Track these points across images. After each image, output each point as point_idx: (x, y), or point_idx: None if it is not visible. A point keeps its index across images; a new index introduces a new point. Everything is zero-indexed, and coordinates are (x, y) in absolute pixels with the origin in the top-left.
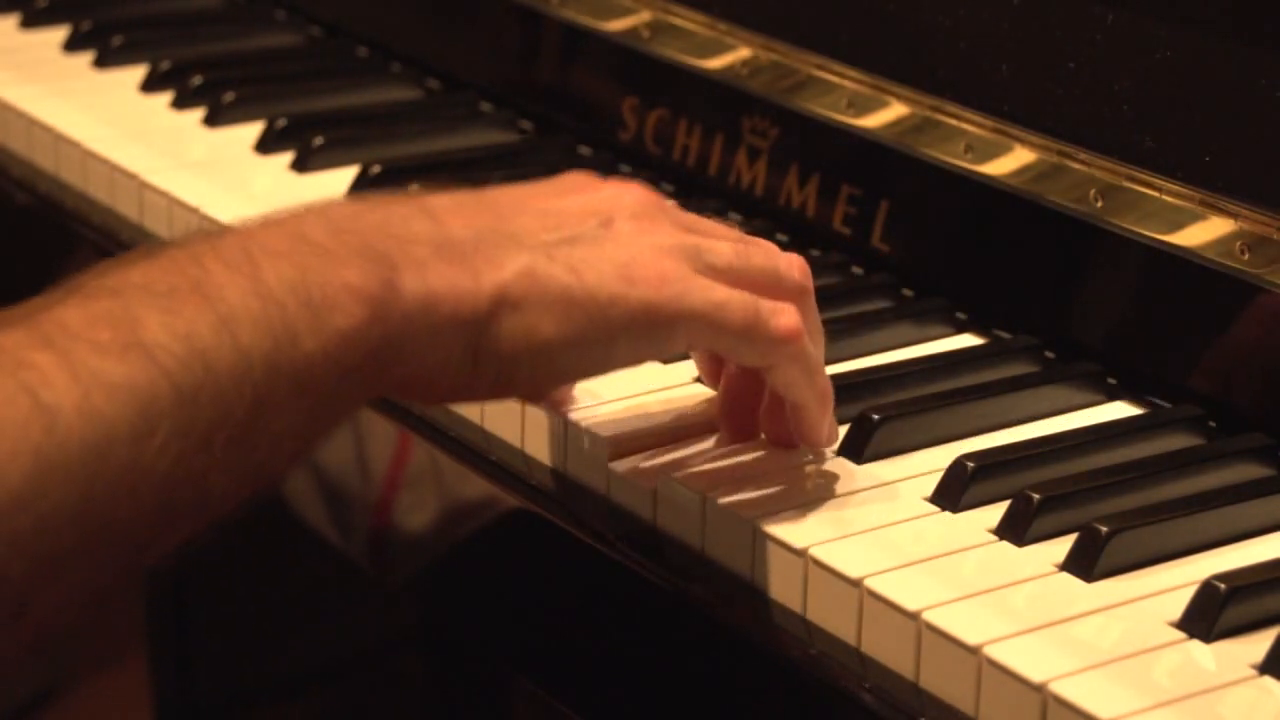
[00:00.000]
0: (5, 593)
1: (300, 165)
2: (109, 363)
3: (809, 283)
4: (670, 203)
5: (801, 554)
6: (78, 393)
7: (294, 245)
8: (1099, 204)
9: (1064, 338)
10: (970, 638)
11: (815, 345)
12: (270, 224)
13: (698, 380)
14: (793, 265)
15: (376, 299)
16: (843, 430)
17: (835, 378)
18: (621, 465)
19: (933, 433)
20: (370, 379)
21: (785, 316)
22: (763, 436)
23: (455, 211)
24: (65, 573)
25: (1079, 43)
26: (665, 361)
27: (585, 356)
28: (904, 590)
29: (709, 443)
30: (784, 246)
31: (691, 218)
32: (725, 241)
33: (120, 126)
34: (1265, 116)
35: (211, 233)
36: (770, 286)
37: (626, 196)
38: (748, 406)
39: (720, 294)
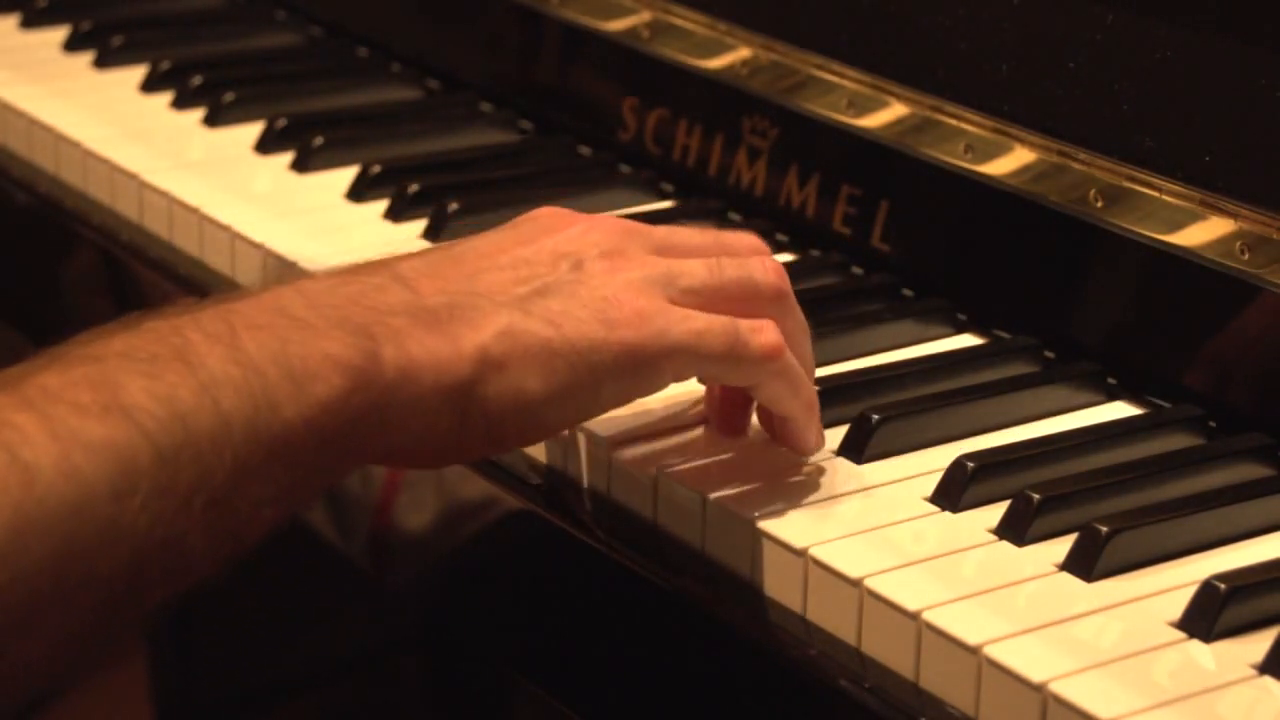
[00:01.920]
0: None
1: (300, 165)
2: (89, 423)
3: (785, 284)
4: (639, 226)
5: (801, 554)
6: (57, 451)
7: (273, 319)
8: (1099, 204)
9: (1064, 338)
10: (970, 638)
11: (801, 344)
12: (248, 298)
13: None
14: (768, 271)
15: (357, 369)
16: (843, 430)
17: (835, 378)
18: (621, 464)
19: (933, 433)
20: (352, 448)
21: (765, 334)
22: (759, 435)
23: (427, 276)
24: (40, 627)
25: (1079, 43)
26: None
27: (572, 406)
28: (904, 590)
29: (709, 442)
30: (784, 247)
31: (661, 235)
32: (697, 261)
33: (120, 126)
34: (1265, 116)
35: (190, 305)
36: (747, 296)
37: (593, 234)
38: (740, 404)
39: (699, 323)
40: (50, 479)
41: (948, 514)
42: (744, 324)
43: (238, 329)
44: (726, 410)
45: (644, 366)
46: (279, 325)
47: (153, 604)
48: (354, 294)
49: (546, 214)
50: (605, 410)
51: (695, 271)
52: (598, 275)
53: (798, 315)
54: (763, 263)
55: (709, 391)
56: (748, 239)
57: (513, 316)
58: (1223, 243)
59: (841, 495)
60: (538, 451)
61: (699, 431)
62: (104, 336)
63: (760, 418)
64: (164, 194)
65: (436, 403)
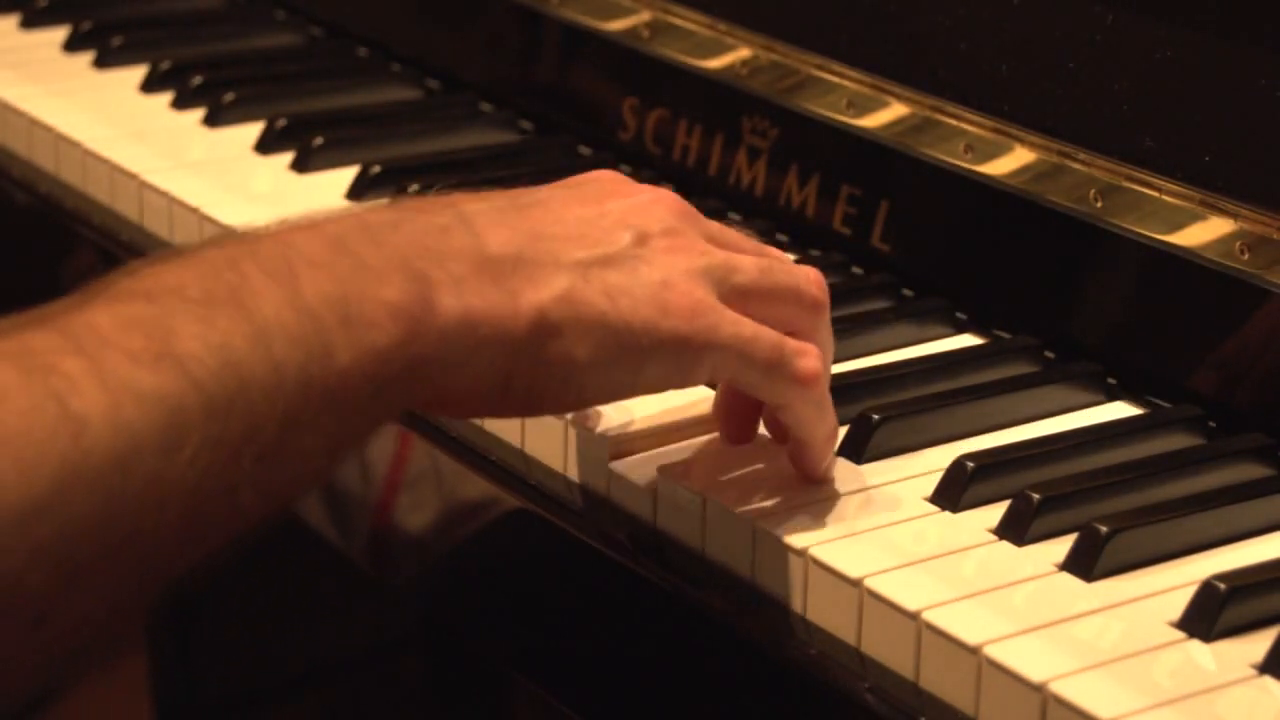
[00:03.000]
0: (25, 601)
1: (300, 165)
2: (140, 372)
3: (826, 300)
4: (696, 211)
5: (801, 554)
6: (106, 402)
7: (333, 256)
8: (1099, 204)
9: (1064, 338)
10: (970, 638)
11: (826, 361)
12: (310, 229)
13: None
14: (811, 280)
15: (414, 317)
16: (843, 430)
17: (835, 378)
18: (621, 465)
19: (933, 433)
20: (402, 395)
21: (808, 359)
22: (759, 436)
23: (493, 223)
24: (87, 584)
25: (1079, 43)
26: None
27: (613, 381)
28: (904, 590)
29: (709, 443)
30: (784, 247)
31: (716, 227)
32: (751, 260)
33: (120, 126)
34: (1265, 116)
35: (248, 234)
36: (792, 303)
37: (658, 208)
38: (749, 414)
39: (748, 329)
40: (98, 431)
41: (948, 514)
42: (791, 343)
43: (296, 267)
44: (735, 418)
45: (688, 358)
46: (338, 265)
47: (199, 559)
48: (417, 233)
49: (609, 177)
50: (642, 393)
51: (749, 269)
52: (659, 255)
53: (829, 333)
54: (808, 274)
55: (718, 397)
56: (786, 256)
57: (574, 281)
58: (1223, 243)
59: (842, 495)
60: (538, 451)
61: (699, 432)
62: (156, 268)
63: (771, 428)
64: (164, 194)
65: (488, 356)
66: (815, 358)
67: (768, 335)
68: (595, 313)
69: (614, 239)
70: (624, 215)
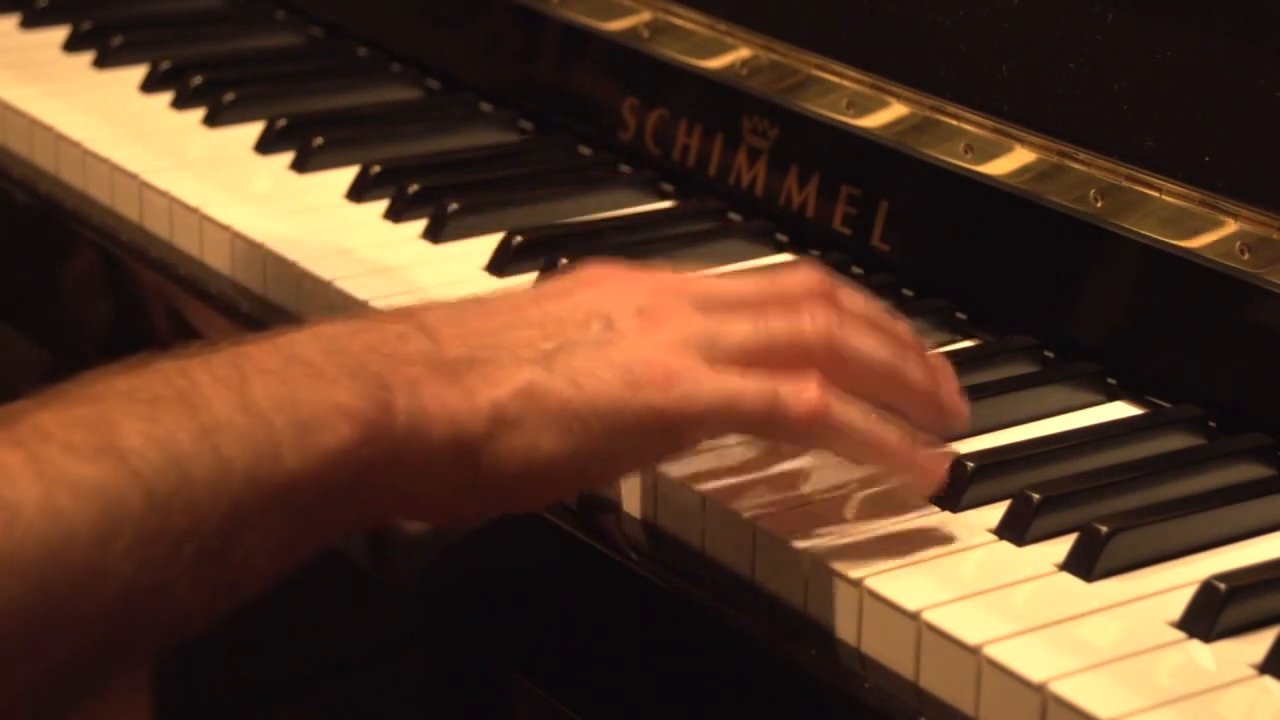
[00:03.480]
0: None
1: (300, 165)
2: (78, 464)
3: (836, 338)
4: (684, 281)
5: (802, 554)
6: (40, 491)
7: (285, 364)
8: (1099, 204)
9: (1064, 338)
10: (970, 638)
11: (869, 380)
12: (262, 341)
13: None
14: (816, 322)
15: (367, 420)
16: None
17: None
18: None
19: None
20: (358, 502)
21: (806, 395)
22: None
23: (452, 326)
24: (13, 672)
25: (1079, 43)
26: None
27: (587, 469)
28: (904, 590)
29: (709, 443)
30: (784, 247)
31: (707, 289)
32: (742, 320)
33: (120, 126)
34: (1265, 116)
35: (201, 348)
36: (797, 352)
37: (633, 291)
38: None
39: (733, 385)
40: (30, 518)
41: (948, 514)
42: (785, 386)
43: (247, 373)
44: None
45: (668, 431)
46: (290, 371)
47: (141, 654)
48: (373, 341)
49: (590, 270)
50: (625, 474)
51: (739, 331)
52: (630, 335)
53: (857, 364)
54: (812, 315)
55: None
56: (803, 276)
57: (534, 374)
58: (1223, 243)
59: (841, 496)
60: None
61: None
62: (110, 376)
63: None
64: (164, 194)
65: (447, 457)
66: (812, 390)
67: (755, 387)
68: (558, 401)
69: (580, 327)
70: (592, 304)
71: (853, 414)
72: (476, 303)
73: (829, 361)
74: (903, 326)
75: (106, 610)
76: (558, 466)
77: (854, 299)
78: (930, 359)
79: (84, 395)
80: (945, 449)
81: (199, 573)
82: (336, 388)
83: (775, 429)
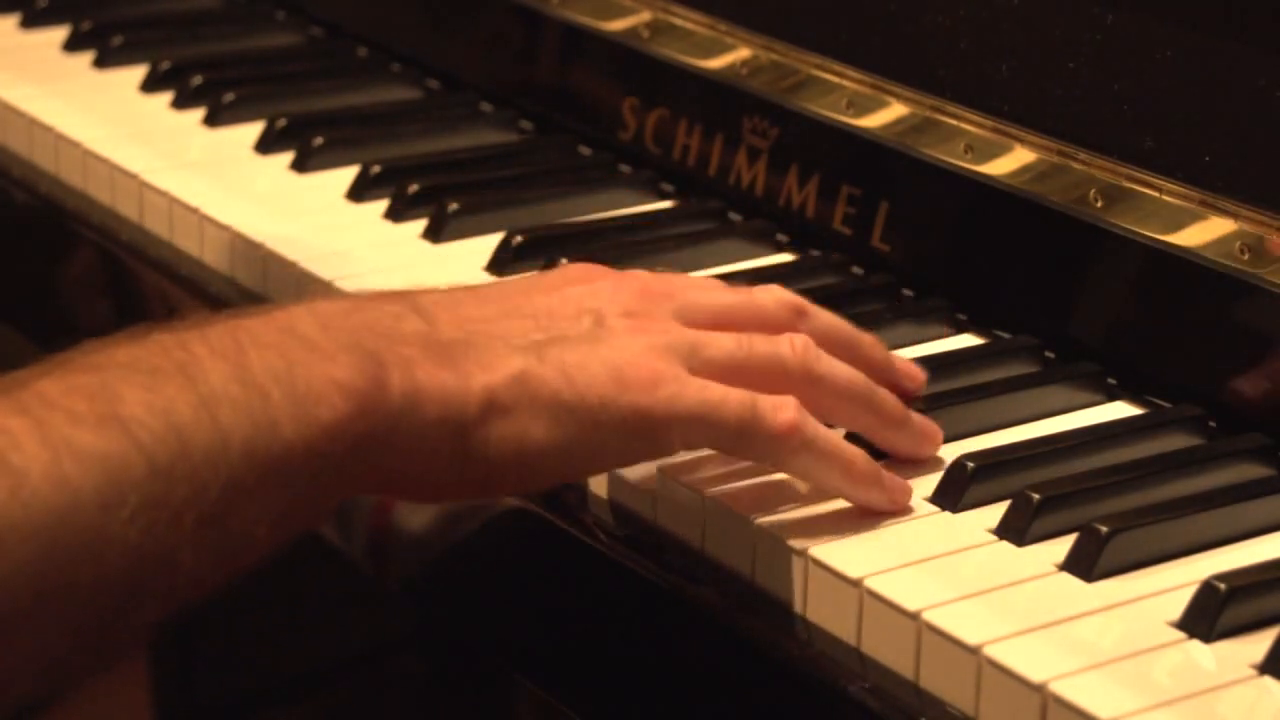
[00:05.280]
0: None
1: (300, 165)
2: (82, 432)
3: (813, 363)
4: (667, 287)
5: (801, 554)
6: (47, 458)
7: (282, 338)
8: (1099, 204)
9: (1064, 338)
10: (970, 638)
11: (847, 412)
12: (260, 315)
13: None
14: (795, 350)
15: (362, 394)
16: (841, 431)
17: None
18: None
19: None
20: (351, 474)
21: (784, 412)
22: None
23: (446, 311)
24: (19, 636)
25: (1079, 43)
26: None
27: (574, 460)
28: (904, 590)
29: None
30: (784, 247)
31: (689, 298)
32: (726, 335)
33: (120, 126)
34: (1265, 116)
35: (199, 320)
36: (776, 376)
37: (622, 291)
38: None
39: (714, 393)
40: (36, 484)
41: (948, 514)
42: (764, 400)
43: (244, 346)
44: None
45: (651, 431)
46: (287, 345)
47: (142, 623)
48: (369, 320)
49: (577, 268)
50: (607, 469)
51: (722, 344)
52: (619, 334)
53: (838, 383)
54: (791, 342)
55: None
56: (775, 295)
57: (527, 362)
58: (1223, 243)
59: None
60: None
61: None
62: (109, 346)
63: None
64: (164, 194)
65: (439, 437)
66: (790, 408)
67: (736, 397)
68: (549, 391)
69: (573, 322)
70: (583, 300)
71: (825, 432)
72: (469, 290)
73: (805, 385)
74: (871, 340)
75: (111, 576)
76: (544, 455)
77: (824, 315)
78: (905, 369)
79: (85, 364)
80: (906, 485)
81: (201, 540)
82: (333, 363)
83: (750, 441)
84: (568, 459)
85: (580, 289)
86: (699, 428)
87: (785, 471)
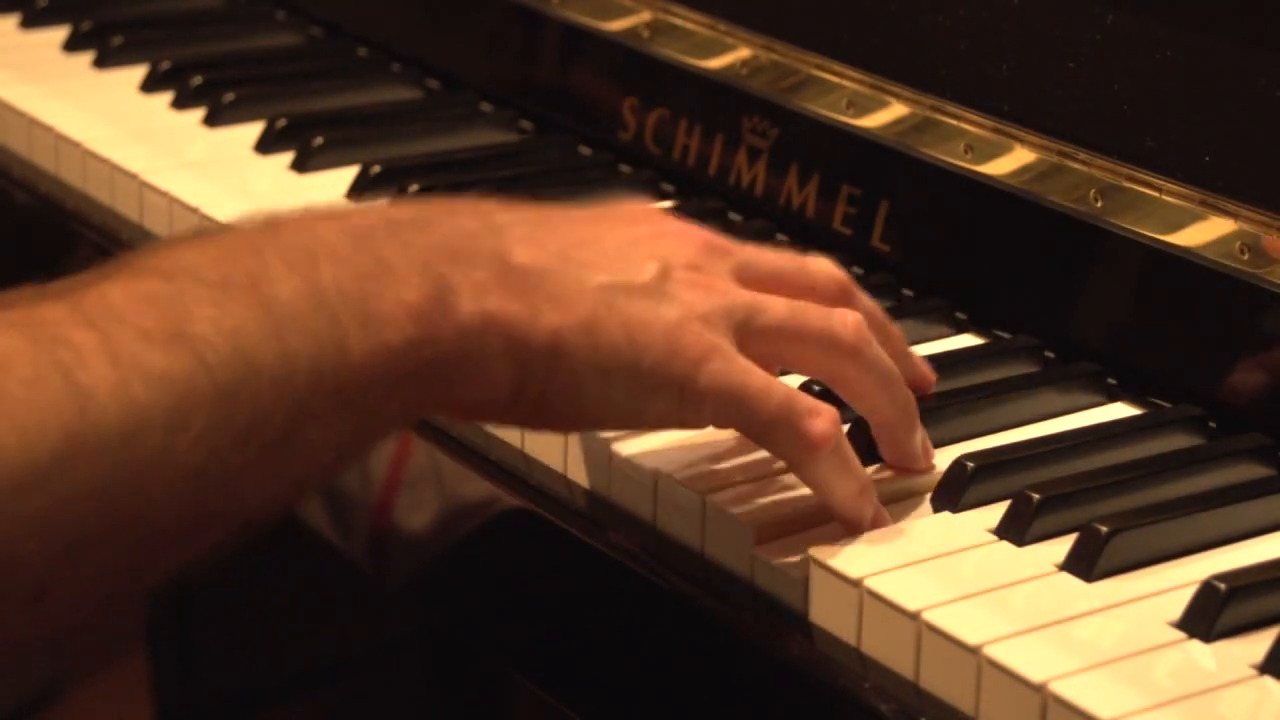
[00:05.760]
0: (23, 574)
1: (300, 165)
2: (151, 351)
3: (863, 341)
4: (725, 244)
5: (802, 554)
6: (115, 378)
7: (355, 252)
8: (1099, 204)
9: (1064, 338)
10: (970, 638)
11: (879, 400)
12: (336, 220)
13: None
14: (848, 326)
15: (431, 320)
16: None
17: None
18: (623, 453)
19: (932, 433)
20: (415, 397)
21: (820, 422)
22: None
23: (522, 235)
24: (87, 558)
25: (1079, 43)
26: None
27: (618, 412)
28: (904, 590)
29: (709, 443)
30: (784, 247)
31: (748, 260)
32: (777, 299)
33: (120, 126)
34: (1265, 116)
35: (273, 218)
36: (823, 347)
37: (686, 242)
38: None
39: (757, 381)
40: (104, 405)
41: (948, 514)
42: (802, 402)
43: (318, 258)
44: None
45: (689, 402)
46: (359, 261)
47: (201, 550)
48: (444, 235)
49: (643, 209)
50: (643, 428)
51: (775, 310)
52: (681, 289)
53: (876, 374)
54: (845, 319)
55: None
56: (827, 268)
57: (596, 309)
58: (1223, 243)
59: None
60: (538, 451)
61: (699, 433)
62: (176, 249)
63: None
64: (164, 194)
65: (501, 368)
66: (827, 419)
67: (778, 390)
68: (611, 343)
69: (640, 268)
70: (652, 245)
71: (847, 445)
72: (540, 213)
73: (848, 363)
74: (899, 334)
75: (177, 498)
76: (590, 402)
77: (866, 298)
78: (923, 369)
79: (151, 269)
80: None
81: (264, 464)
82: (404, 285)
83: (777, 437)
84: (610, 409)
85: (648, 233)
86: (734, 410)
87: (797, 474)
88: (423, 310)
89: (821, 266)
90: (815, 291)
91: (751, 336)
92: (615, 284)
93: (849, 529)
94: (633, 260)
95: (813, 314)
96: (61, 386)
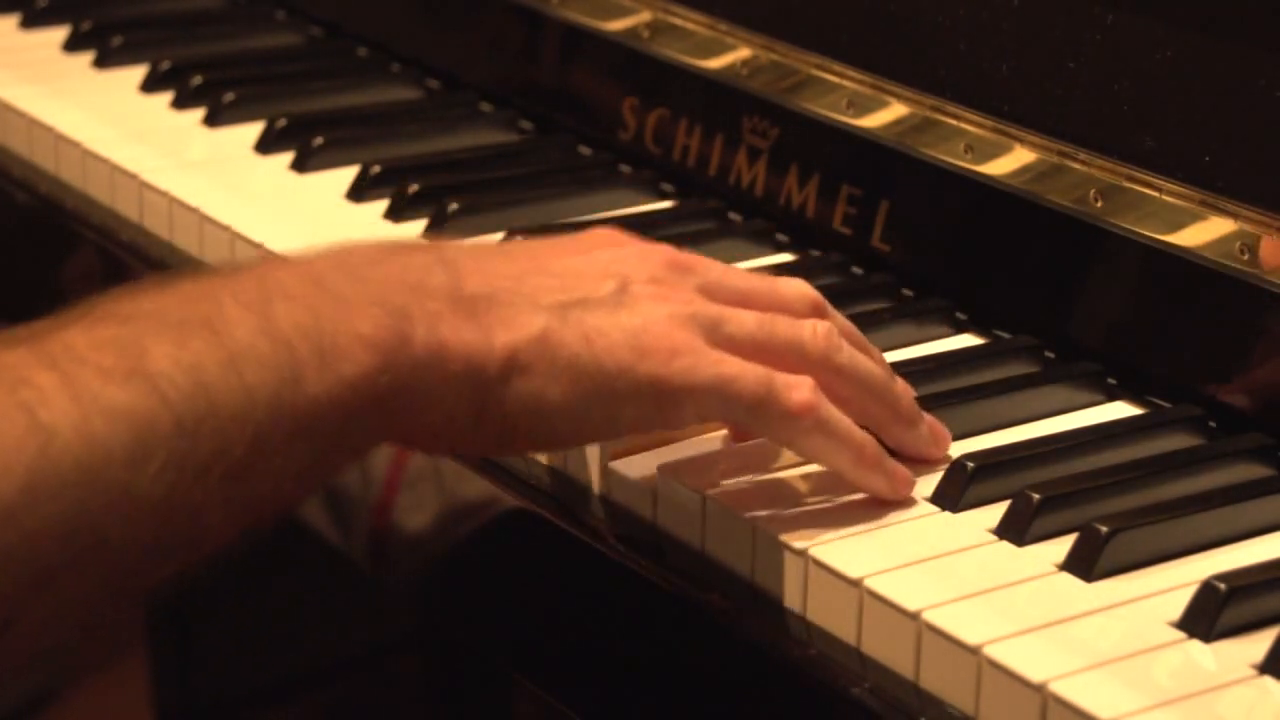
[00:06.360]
0: None
1: (300, 165)
2: (111, 388)
3: (835, 352)
4: (692, 263)
5: (801, 554)
6: (76, 414)
7: (309, 290)
8: (1099, 204)
9: (1064, 338)
10: (970, 638)
11: (861, 404)
12: (288, 265)
13: None
14: (818, 336)
15: (387, 349)
16: None
17: None
18: (621, 464)
19: None
20: (375, 427)
21: (799, 391)
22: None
23: (473, 265)
24: (53, 590)
25: (1079, 43)
26: None
27: (588, 424)
28: (904, 590)
29: (709, 442)
30: (784, 247)
31: (713, 275)
32: (746, 312)
33: (120, 126)
34: (1265, 116)
35: (226, 268)
36: (794, 357)
37: (647, 261)
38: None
39: (731, 368)
40: (66, 441)
41: (948, 514)
42: (780, 377)
43: (272, 297)
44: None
45: (665, 401)
46: (314, 298)
47: (166, 575)
48: (396, 271)
49: (605, 233)
50: (621, 435)
51: (743, 320)
52: (641, 301)
53: (856, 373)
54: (814, 328)
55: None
56: (798, 287)
57: (549, 323)
58: (1223, 243)
59: (840, 495)
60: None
61: (700, 431)
62: (135, 295)
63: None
64: (164, 194)
65: (459, 392)
66: (806, 388)
67: (753, 372)
68: (569, 354)
69: (597, 285)
70: (609, 264)
71: (838, 415)
72: (497, 246)
73: (823, 371)
74: (878, 355)
75: (138, 531)
76: (559, 417)
77: (840, 317)
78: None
79: (111, 314)
80: (908, 474)
81: (226, 495)
82: (359, 316)
83: (764, 417)
84: (582, 422)
85: (607, 253)
86: (714, 400)
87: (794, 450)
88: (378, 340)
89: (793, 286)
90: (788, 311)
91: (720, 344)
92: (569, 300)
93: (874, 496)
94: (588, 278)
95: (781, 324)
96: (25, 425)
